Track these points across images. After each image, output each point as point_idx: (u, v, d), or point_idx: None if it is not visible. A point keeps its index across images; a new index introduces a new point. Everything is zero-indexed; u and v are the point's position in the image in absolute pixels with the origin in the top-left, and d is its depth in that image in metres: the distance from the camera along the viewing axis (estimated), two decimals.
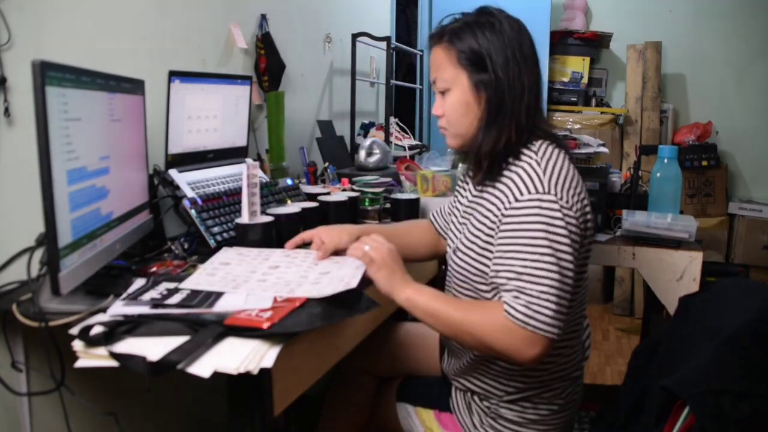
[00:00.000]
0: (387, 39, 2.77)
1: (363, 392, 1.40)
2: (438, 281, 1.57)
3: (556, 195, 0.99)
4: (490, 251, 1.06)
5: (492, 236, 1.06)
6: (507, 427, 1.17)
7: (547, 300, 0.95)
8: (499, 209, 1.05)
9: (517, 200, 1.01)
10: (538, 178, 1.02)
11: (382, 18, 3.43)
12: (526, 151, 1.08)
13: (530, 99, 1.08)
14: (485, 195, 1.11)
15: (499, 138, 1.07)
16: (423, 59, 3.73)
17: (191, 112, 1.51)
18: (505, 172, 1.08)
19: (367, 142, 2.24)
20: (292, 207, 1.47)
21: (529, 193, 1.00)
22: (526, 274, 0.97)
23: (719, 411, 0.81)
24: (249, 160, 1.73)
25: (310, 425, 1.51)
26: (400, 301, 1.06)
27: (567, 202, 0.99)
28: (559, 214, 0.98)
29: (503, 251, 1.01)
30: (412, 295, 1.04)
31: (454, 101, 1.10)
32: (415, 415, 1.27)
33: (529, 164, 1.05)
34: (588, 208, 1.07)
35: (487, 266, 1.07)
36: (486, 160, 1.09)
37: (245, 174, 1.29)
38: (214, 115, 1.61)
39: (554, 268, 0.96)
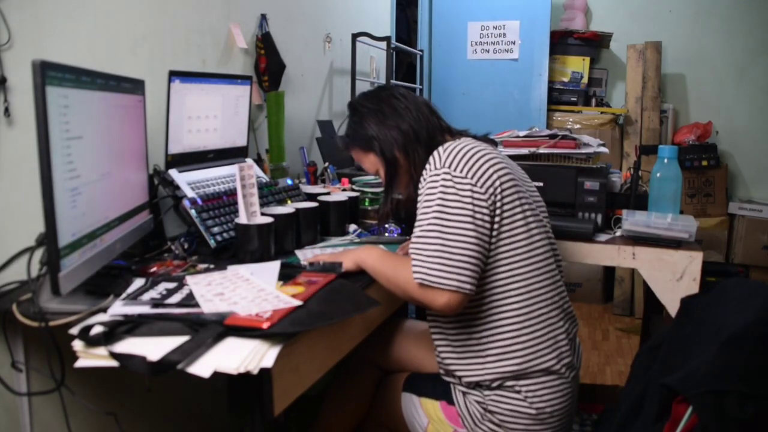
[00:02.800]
0: (387, 39, 2.77)
1: (367, 383, 1.46)
2: None
3: (449, 167, 1.14)
4: None
5: None
6: (502, 422, 1.18)
7: (432, 257, 1.09)
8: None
9: (423, 180, 1.18)
10: (434, 161, 1.17)
11: (382, 18, 3.42)
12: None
13: (422, 131, 1.26)
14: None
15: (422, 169, 1.21)
16: (423, 59, 3.73)
17: (191, 112, 1.51)
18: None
19: None
20: (288, 207, 1.47)
21: (428, 172, 1.17)
22: (417, 236, 1.12)
23: (722, 411, 0.81)
24: (249, 160, 1.73)
25: (310, 425, 1.51)
26: (354, 264, 1.23)
27: (460, 171, 1.13)
28: (450, 183, 1.12)
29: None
30: (363, 257, 1.22)
31: (385, 175, 1.30)
32: (419, 405, 1.29)
33: (433, 155, 1.19)
34: (503, 181, 1.16)
35: None
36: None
37: (238, 176, 1.29)
38: (214, 115, 1.61)
39: (438, 229, 1.10)
